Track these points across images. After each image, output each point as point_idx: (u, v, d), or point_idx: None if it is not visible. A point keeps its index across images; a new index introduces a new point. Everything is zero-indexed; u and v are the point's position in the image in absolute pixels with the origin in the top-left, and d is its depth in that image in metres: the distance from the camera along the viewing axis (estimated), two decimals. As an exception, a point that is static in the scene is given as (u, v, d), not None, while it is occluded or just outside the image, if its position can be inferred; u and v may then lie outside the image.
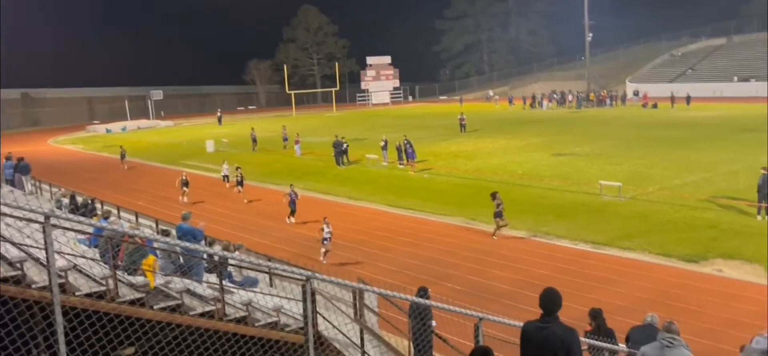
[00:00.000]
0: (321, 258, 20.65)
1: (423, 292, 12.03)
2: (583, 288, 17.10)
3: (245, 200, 31.15)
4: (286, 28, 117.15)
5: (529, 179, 32.04)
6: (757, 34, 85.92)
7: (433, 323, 11.38)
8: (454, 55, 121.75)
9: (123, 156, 45.81)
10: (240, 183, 32.84)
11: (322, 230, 20.58)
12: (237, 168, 33.63)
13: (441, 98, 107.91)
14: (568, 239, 22.10)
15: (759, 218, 22.59)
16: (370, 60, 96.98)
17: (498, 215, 22.50)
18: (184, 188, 31.81)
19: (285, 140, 50.21)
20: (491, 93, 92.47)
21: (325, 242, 20.70)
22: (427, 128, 58.54)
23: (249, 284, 12.51)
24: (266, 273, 13.75)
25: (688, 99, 66.45)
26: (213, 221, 25.40)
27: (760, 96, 66.83)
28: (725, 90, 72.91)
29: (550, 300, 6.32)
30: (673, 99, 66.58)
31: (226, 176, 35.30)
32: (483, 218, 25.31)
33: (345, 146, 41.25)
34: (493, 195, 22.69)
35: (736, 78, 75.28)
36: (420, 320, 10.98)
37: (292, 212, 26.43)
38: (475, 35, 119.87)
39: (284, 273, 11.23)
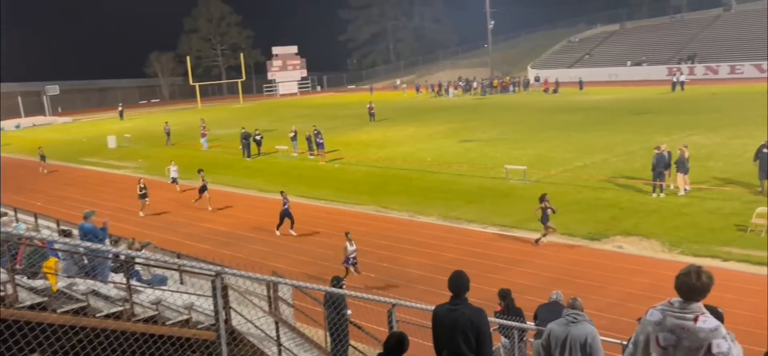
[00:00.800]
0: (353, 271, 17.69)
1: (336, 282, 12.02)
2: (492, 270, 17.53)
3: (210, 207, 27.12)
4: (187, 18, 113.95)
5: (438, 166, 32.53)
6: (647, 20, 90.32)
7: (349, 312, 11.40)
8: (360, 44, 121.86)
9: (43, 157, 41.66)
10: (204, 188, 27.64)
11: (346, 249, 17.52)
12: (199, 171, 28.55)
13: (349, 87, 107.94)
14: (478, 223, 22.59)
15: (654, 195, 23.76)
16: (275, 50, 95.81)
17: (545, 219, 19.60)
18: (145, 201, 27.54)
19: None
20: (399, 82, 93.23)
21: (348, 262, 17.54)
22: (337, 117, 58.46)
23: (157, 282, 12.14)
24: (176, 270, 13.38)
25: (581, 84, 69.27)
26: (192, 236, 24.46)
27: (652, 79, 70.26)
28: (620, 74, 76.22)
29: (457, 283, 6.46)
30: (556, 85, 69.60)
31: (174, 179, 32.12)
32: (395, 205, 25.54)
33: (259, 137, 40.72)
34: (542, 198, 19.75)
35: (629, 62, 78.77)
36: (335, 309, 10.97)
37: (283, 222, 22.89)
38: (380, 24, 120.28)
39: (194, 270, 10.97)
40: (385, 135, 44.99)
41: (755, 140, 24.31)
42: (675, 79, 62.11)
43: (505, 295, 11.60)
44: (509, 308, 11.37)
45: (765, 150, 22.84)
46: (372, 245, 20.68)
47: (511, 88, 75.44)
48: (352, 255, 17.48)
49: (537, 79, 76.38)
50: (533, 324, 10.46)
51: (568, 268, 17.66)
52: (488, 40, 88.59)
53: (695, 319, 4.61)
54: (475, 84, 78.79)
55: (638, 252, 18.53)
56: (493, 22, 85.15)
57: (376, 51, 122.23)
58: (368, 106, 56.11)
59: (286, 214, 22.80)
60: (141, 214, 27.20)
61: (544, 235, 19.72)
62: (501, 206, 24.47)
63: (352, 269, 17.50)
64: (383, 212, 25.03)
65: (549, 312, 9.96)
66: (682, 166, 23.84)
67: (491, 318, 10.02)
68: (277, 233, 22.80)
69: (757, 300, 14.32)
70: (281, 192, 23.73)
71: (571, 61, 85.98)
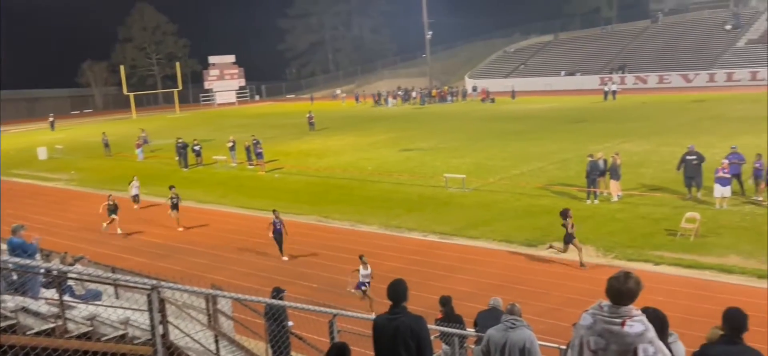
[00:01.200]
0: (364, 296, 16.47)
1: (276, 293, 11.91)
2: (433, 278, 17.66)
3: (180, 228, 25.15)
4: (122, 27, 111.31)
5: (379, 175, 32.63)
6: (579, 31, 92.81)
7: (290, 323, 11.30)
8: (299, 53, 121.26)
9: None
10: (175, 206, 25.40)
11: (358, 271, 16.32)
12: (171, 188, 26.00)
13: (288, 96, 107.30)
14: (418, 231, 22.74)
15: (589, 202, 24.37)
16: (212, 59, 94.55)
17: (570, 238, 18.14)
18: (113, 216, 25.32)
19: (146, 142, 47.75)
20: (339, 91, 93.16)
21: (360, 287, 16.37)
22: (276, 127, 58.03)
23: (92, 297, 11.79)
24: (110, 284, 13.01)
25: (513, 93, 70.61)
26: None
27: (585, 89, 72.09)
28: (555, 84, 77.98)
29: (396, 292, 6.51)
30: (486, 94, 71.18)
31: (136, 196, 29.71)
32: (336, 214, 25.48)
33: (198, 147, 40.09)
34: (564, 213, 18.35)
35: (563, 72, 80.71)
36: (275, 321, 10.87)
37: (280, 243, 20.88)
38: (319, 34, 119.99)
39: (129, 284, 10.69)
40: (325, 145, 44.89)
41: (683, 148, 25.20)
42: (607, 89, 63.88)
43: (445, 302, 11.69)
44: (449, 315, 11.46)
45: (688, 158, 23.75)
46: (314, 255, 20.57)
47: (449, 97, 76.34)
48: (366, 280, 15.95)
49: (474, 89, 77.48)
50: (473, 330, 10.57)
51: (508, 274, 17.94)
52: (426, 50, 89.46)
53: (622, 323, 4.69)
54: (414, 93, 79.42)
55: (575, 258, 18.93)
56: (430, 33, 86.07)
57: (315, 60, 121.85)
58: (308, 115, 55.88)
59: (278, 235, 20.67)
60: (106, 226, 25.49)
61: (564, 251, 18.32)
62: (441, 214, 24.69)
63: (361, 292, 16.33)
64: (324, 222, 24.94)
65: (489, 318, 10.08)
66: (615, 173, 24.55)
67: (432, 326, 10.10)
68: (285, 258, 20.53)
69: (687, 302, 14.83)
70: (273, 211, 21.20)
71: (507, 71, 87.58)
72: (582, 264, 18.00)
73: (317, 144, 45.40)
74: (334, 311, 8.61)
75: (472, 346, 10.70)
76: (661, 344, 4.68)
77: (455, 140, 42.29)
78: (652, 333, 4.67)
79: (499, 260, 19.30)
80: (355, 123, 58.32)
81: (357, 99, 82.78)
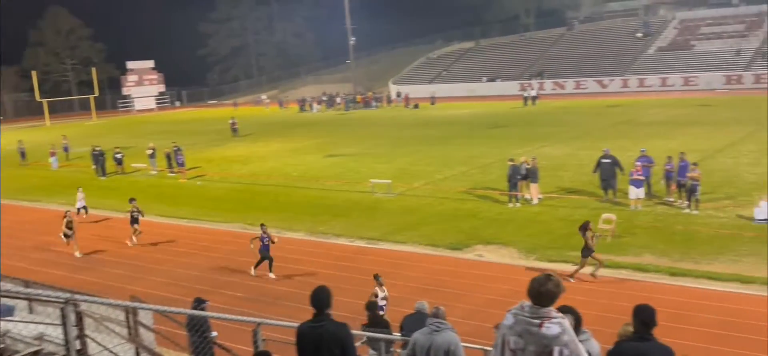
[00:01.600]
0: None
1: (198, 304, 11.68)
2: (361, 283, 17.63)
3: (133, 241, 23.16)
4: (33, 31, 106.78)
5: (305, 181, 32.44)
6: (499, 38, 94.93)
7: (214, 334, 11.09)
8: (221, 58, 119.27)
9: None
10: (135, 220, 23.29)
11: (376, 295, 14.11)
12: (131, 201, 23.89)
13: (210, 102, 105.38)
14: (345, 236, 22.73)
15: (511, 205, 24.90)
16: (130, 64, 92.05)
17: (588, 251, 17.22)
18: (68, 232, 22.59)
19: (66, 150, 45.90)
20: (264, 97, 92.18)
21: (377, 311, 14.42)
22: (198, 133, 56.93)
23: (4, 313, 11.25)
24: (23, 298, 12.46)
25: (433, 99, 71.68)
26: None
27: (506, 94, 73.71)
28: (477, 89, 79.42)
29: (318, 299, 6.49)
30: (407, 99, 72.54)
31: (83, 208, 27.39)
32: (261, 221, 25.13)
33: (120, 155, 38.84)
34: (584, 227, 17.37)
35: (484, 78, 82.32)
36: (197, 333, 10.66)
37: (263, 260, 19.12)
38: (241, 38, 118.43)
39: (40, 298, 10.27)
40: (250, 151, 44.33)
41: (599, 151, 26.08)
42: (526, 95, 65.51)
43: (371, 307, 11.72)
44: (375, 320, 11.49)
45: (604, 161, 24.64)
46: (239, 263, 20.26)
47: (373, 103, 76.68)
48: (382, 303, 14.02)
49: (398, 95, 78.10)
50: (400, 334, 10.63)
51: (433, 278, 18.12)
52: (350, 55, 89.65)
53: (540, 325, 4.79)
54: (338, 99, 79.40)
55: (498, 260, 19.33)
56: (354, 39, 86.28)
57: (237, 65, 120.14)
58: (231, 121, 55.05)
59: (266, 251, 19.09)
60: (77, 254, 22.24)
61: (581, 267, 17.37)
62: (367, 219, 24.75)
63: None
64: (249, 230, 24.55)
65: (415, 321, 10.16)
66: (534, 176, 25.21)
67: (358, 332, 10.11)
68: (271, 275, 18.89)
69: (605, 300, 15.34)
70: (261, 225, 19.51)
71: (430, 76, 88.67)
72: (593, 276, 17.19)
73: (241, 151, 44.78)
74: (257, 320, 8.52)
75: (399, 351, 10.75)
76: (578, 347, 4.80)
77: (380, 146, 42.50)
78: (568, 335, 4.78)
79: (424, 264, 19.48)
80: (279, 129, 57.83)
81: (281, 105, 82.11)
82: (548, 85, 75.30)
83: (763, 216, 20.61)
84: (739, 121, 41.48)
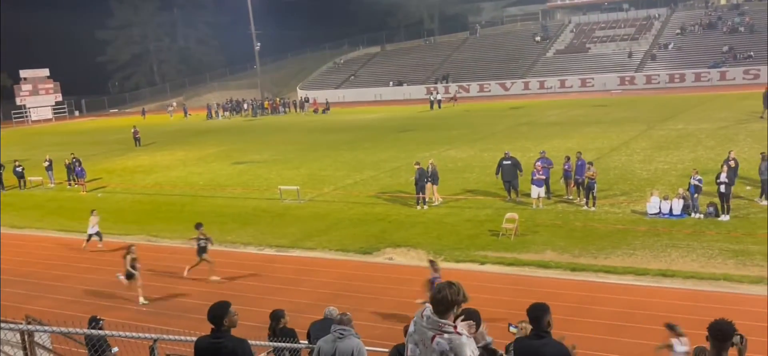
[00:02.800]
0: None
1: (93, 323, 11.43)
2: (270, 292, 17.58)
3: (215, 277, 19.09)
4: None
5: (212, 190, 31.91)
6: (404, 43, 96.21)
7: (115, 349, 10.84)
8: (121, 66, 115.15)
9: None
10: (203, 249, 19.26)
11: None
12: (198, 226, 19.62)
13: (112, 111, 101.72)
14: (254, 245, 22.53)
15: (418, 207, 25.35)
16: (24, 73, 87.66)
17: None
18: (133, 271, 18.07)
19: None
20: (175, 104, 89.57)
21: None
22: (99, 143, 54.90)
23: None
24: None
25: (327, 105, 71.70)
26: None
27: (413, 98, 74.71)
28: (384, 94, 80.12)
29: (215, 314, 6.48)
30: (312, 103, 71.82)
31: (97, 234, 23.31)
32: (166, 233, 24.60)
33: (20, 168, 36.20)
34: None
35: (391, 83, 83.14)
36: (95, 351, 10.42)
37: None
38: (142, 45, 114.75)
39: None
40: (153, 160, 43.15)
41: (502, 153, 26.86)
42: (432, 98, 66.64)
43: (276, 317, 11.65)
44: (282, 329, 11.44)
45: (505, 162, 25.49)
46: (143, 276, 19.71)
47: (281, 109, 76.09)
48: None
49: (306, 100, 77.82)
50: (307, 342, 10.67)
51: (344, 283, 18.23)
52: (256, 61, 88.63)
53: (432, 338, 4.74)
54: (245, 106, 78.34)
55: (407, 262, 19.65)
56: (259, 44, 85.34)
57: (139, 73, 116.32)
58: (133, 130, 53.34)
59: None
60: (142, 300, 17.83)
61: None
62: (277, 226, 24.61)
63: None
64: (154, 241, 23.98)
65: (322, 328, 10.22)
66: (435, 178, 25.79)
67: (259, 342, 10.09)
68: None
69: (510, 298, 15.86)
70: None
71: (338, 81, 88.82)
72: None
73: (144, 160, 43.52)
74: (154, 336, 8.43)
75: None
76: None
77: (289, 152, 42.27)
78: (460, 351, 4.68)
79: (335, 269, 19.56)
80: (184, 137, 56.52)
81: (186, 112, 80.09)
82: (453, 88, 76.72)
83: (655, 211, 21.87)
84: (632, 120, 43.69)
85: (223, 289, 17.65)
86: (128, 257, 18.09)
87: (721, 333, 5.57)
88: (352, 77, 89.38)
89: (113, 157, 46.13)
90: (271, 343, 10.50)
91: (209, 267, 19.06)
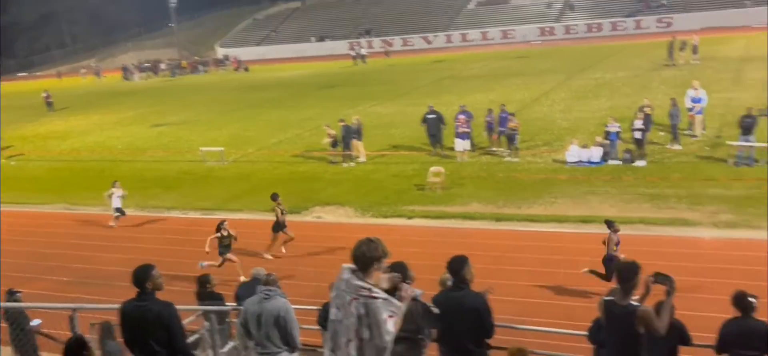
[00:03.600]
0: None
1: (10, 295, 11.08)
2: (197, 256, 17.26)
3: (283, 249, 17.75)
4: None
5: (131, 154, 31.02)
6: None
7: (35, 322, 10.51)
8: (27, 27, 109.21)
9: None
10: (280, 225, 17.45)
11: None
12: (274, 197, 17.83)
13: (20, 75, 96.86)
14: (178, 209, 22.12)
15: (345, 165, 25.31)
16: None
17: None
18: (230, 257, 16.03)
19: None
20: (93, 64, 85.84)
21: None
22: (8, 109, 52.16)
23: None
24: None
25: (247, 68, 69.60)
26: None
27: (336, 54, 73.89)
28: (306, 50, 78.81)
29: (139, 277, 6.51)
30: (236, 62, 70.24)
31: (118, 209, 20.77)
32: (86, 200, 23.77)
33: None
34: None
35: (313, 38, 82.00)
36: (15, 324, 10.11)
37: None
38: (49, 5, 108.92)
39: None
40: (68, 125, 41.50)
41: (426, 107, 26.92)
42: (355, 54, 66.08)
43: (203, 281, 11.54)
44: (209, 293, 11.33)
45: (429, 117, 25.66)
46: (63, 246, 19.11)
47: (200, 68, 74.13)
48: None
49: (226, 58, 76.03)
50: (235, 304, 10.61)
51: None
52: (172, 19, 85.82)
53: (350, 301, 4.70)
54: (163, 66, 75.97)
55: (336, 220, 19.69)
56: (175, 1, 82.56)
57: (47, 34, 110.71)
58: (44, 94, 50.98)
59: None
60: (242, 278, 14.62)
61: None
62: (201, 189, 24.17)
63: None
64: (73, 210, 23.18)
65: (249, 289, 10.16)
66: (358, 134, 25.77)
67: (188, 307, 9.96)
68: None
69: (438, 249, 16.06)
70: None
71: (258, 38, 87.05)
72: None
73: (58, 126, 41.79)
74: (72, 305, 8.24)
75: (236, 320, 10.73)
76: (381, 328, 4.68)
77: (210, 112, 41.38)
78: (376, 314, 4.65)
79: (265, 230, 19.31)
80: (99, 100, 54.46)
81: (98, 74, 76.78)
82: (377, 43, 76.18)
83: (575, 159, 22.51)
84: (552, 71, 44.58)
85: (145, 255, 17.22)
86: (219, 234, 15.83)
87: (624, 273, 6.15)
88: (273, 33, 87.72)
89: (25, 123, 44.09)
90: (198, 307, 10.38)
91: (285, 238, 17.56)
